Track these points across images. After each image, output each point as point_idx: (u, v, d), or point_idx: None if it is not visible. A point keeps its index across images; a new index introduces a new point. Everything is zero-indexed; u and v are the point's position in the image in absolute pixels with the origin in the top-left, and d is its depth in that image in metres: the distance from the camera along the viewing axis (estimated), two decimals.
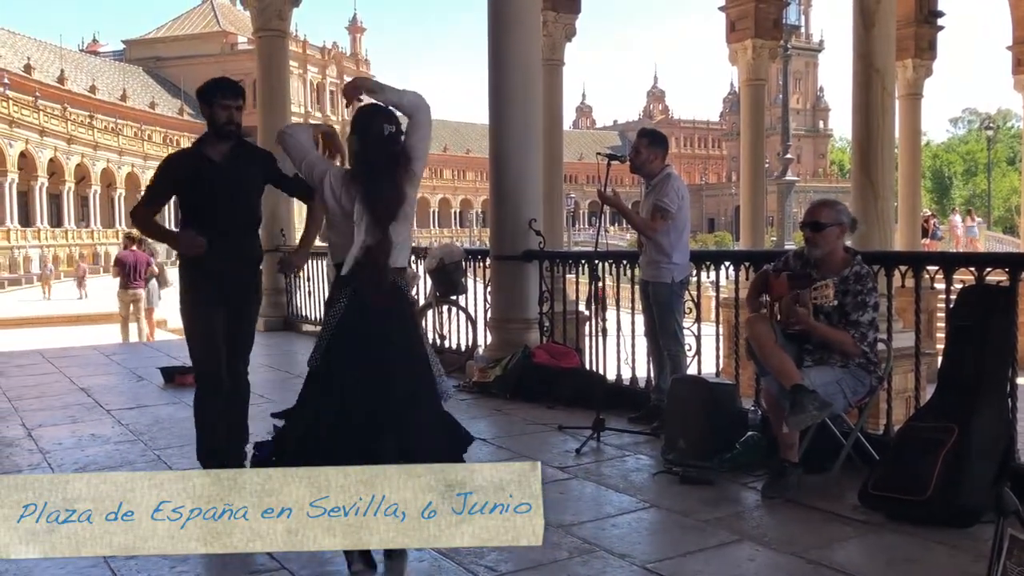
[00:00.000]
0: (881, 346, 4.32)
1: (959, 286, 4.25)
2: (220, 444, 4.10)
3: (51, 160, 50.16)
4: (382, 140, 3.22)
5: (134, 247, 14.73)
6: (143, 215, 4.11)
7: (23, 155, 47.63)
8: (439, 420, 3.32)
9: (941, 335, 4.77)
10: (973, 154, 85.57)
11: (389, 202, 3.20)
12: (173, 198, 4.09)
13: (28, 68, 57.94)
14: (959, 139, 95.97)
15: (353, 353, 3.21)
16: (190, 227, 3.96)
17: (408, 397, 3.19)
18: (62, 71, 62.10)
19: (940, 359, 4.11)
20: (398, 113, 3.30)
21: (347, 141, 3.33)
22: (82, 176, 53.66)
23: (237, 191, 4.00)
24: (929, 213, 27.44)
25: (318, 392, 3.28)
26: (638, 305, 5.83)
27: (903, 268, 4.62)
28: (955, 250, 23.58)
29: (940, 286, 4.67)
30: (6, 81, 50.54)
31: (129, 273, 14.50)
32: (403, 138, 3.27)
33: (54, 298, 34.47)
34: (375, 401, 3.14)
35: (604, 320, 6.21)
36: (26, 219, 48.42)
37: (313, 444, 3.14)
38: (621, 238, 50.97)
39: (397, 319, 3.29)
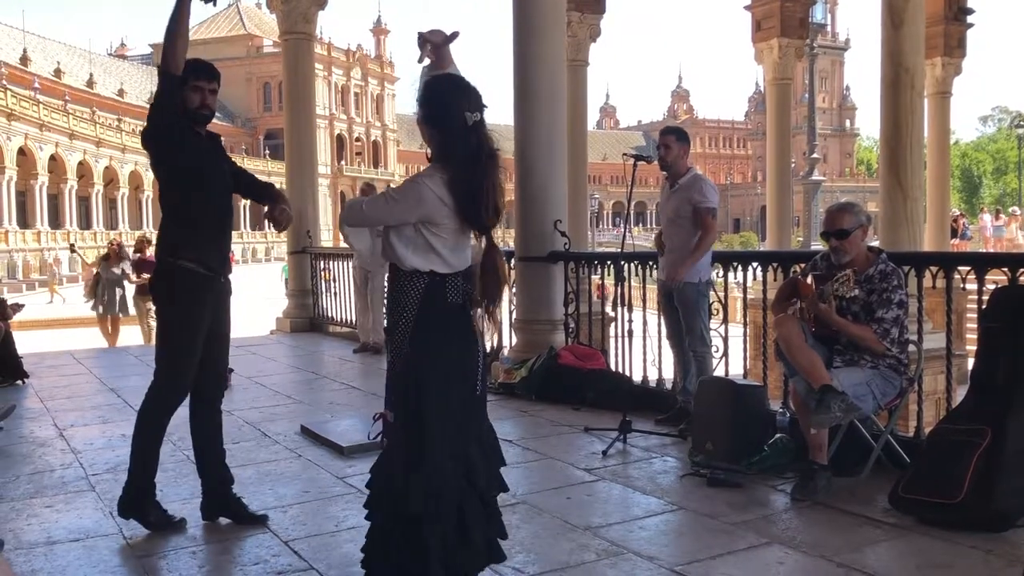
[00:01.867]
0: (911, 347, 4.27)
1: (991, 287, 4.20)
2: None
3: (80, 163, 50.78)
4: (466, 131, 2.68)
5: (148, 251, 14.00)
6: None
7: (53, 158, 48.25)
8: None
9: (971, 336, 4.70)
10: (1003, 152, 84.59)
11: (495, 199, 2.73)
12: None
13: (58, 72, 58.77)
14: (989, 138, 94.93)
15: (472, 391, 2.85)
16: (173, 219, 3.69)
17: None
18: (91, 75, 62.88)
19: (972, 361, 4.05)
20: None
21: (418, 125, 2.82)
22: (110, 179, 54.29)
23: (219, 177, 3.72)
24: (958, 213, 27.11)
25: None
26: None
27: (934, 269, 4.58)
28: (986, 250, 23.29)
29: (970, 287, 4.61)
30: (37, 85, 51.27)
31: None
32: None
33: (67, 301, 34.93)
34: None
35: (631, 322, 6.18)
36: (56, 222, 49.04)
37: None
38: (646, 239, 50.81)
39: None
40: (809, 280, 4.25)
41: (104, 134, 53.75)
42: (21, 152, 45.67)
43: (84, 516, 3.97)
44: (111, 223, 54.88)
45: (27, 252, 44.43)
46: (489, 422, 2.95)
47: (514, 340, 7.46)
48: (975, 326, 4.21)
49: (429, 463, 2.71)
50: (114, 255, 13.58)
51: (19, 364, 7.76)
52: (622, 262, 6.05)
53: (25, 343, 8.65)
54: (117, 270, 13.34)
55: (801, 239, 22.48)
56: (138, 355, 9.74)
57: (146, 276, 13.36)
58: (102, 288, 13.45)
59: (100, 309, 13.56)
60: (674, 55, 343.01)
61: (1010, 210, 30.44)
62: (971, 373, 3.94)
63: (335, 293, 10.84)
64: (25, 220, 46.54)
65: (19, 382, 7.61)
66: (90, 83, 62.26)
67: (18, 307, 8.57)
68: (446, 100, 2.72)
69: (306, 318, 11.44)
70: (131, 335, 14.13)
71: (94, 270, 14.61)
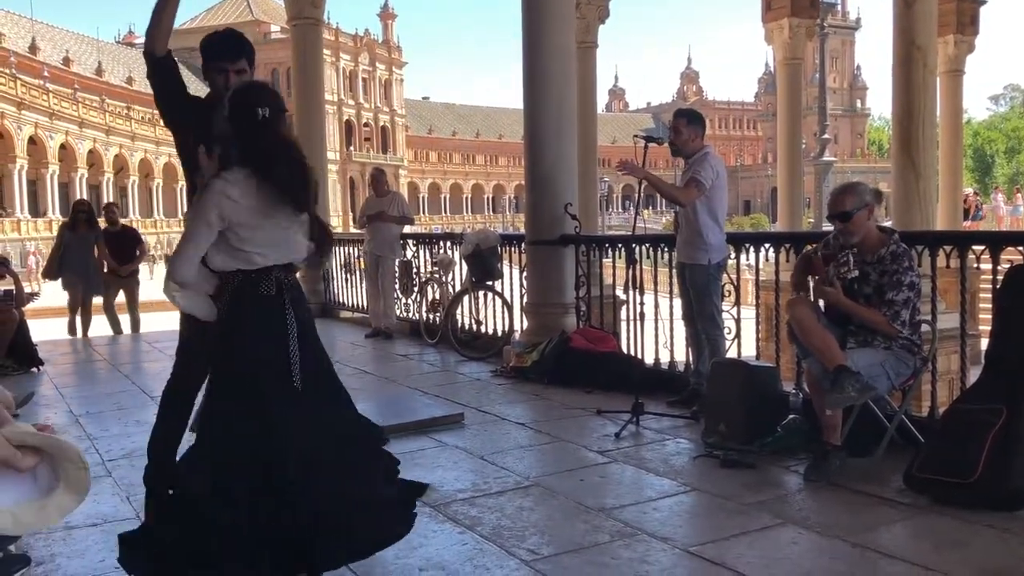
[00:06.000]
0: (925, 327, 4.25)
1: (1005, 266, 4.17)
2: None
3: (90, 151, 50.94)
4: (256, 126, 2.76)
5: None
6: None
7: (63, 147, 48.38)
8: None
9: (984, 316, 4.68)
10: (1018, 131, 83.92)
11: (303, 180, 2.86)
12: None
13: (67, 61, 58.85)
14: (1001, 116, 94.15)
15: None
16: None
17: None
18: (99, 63, 62.96)
19: (986, 340, 4.03)
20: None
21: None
22: (120, 167, 54.46)
23: None
24: (970, 192, 26.93)
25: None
26: (676, 288, 5.80)
27: (948, 248, 4.55)
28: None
29: (984, 266, 4.58)
30: (46, 74, 51.35)
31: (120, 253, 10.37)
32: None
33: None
34: None
35: (642, 304, 6.17)
36: (67, 210, 49.18)
37: None
38: (656, 222, 50.69)
39: None
40: (820, 260, 4.23)
41: (114, 122, 53.90)
42: (32, 141, 45.81)
43: (102, 502, 4.00)
44: (122, 211, 55.06)
45: (39, 241, 44.62)
46: (348, 415, 3.05)
47: (525, 324, 7.46)
48: (989, 306, 4.18)
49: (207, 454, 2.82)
50: (83, 222, 10.09)
51: (34, 352, 7.82)
52: (633, 245, 6.03)
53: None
54: (89, 238, 10.03)
55: (812, 220, 22.38)
56: (152, 342, 9.79)
57: (128, 266, 10.33)
58: (70, 262, 9.96)
59: (70, 291, 10.21)
60: (683, 36, 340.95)
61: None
62: (986, 352, 3.92)
63: (347, 279, 10.88)
64: (37, 209, 46.72)
65: (34, 369, 7.67)
66: (99, 71, 62.30)
67: (33, 295, 8.61)
68: (236, 101, 2.81)
69: (317, 303, 11.45)
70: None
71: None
